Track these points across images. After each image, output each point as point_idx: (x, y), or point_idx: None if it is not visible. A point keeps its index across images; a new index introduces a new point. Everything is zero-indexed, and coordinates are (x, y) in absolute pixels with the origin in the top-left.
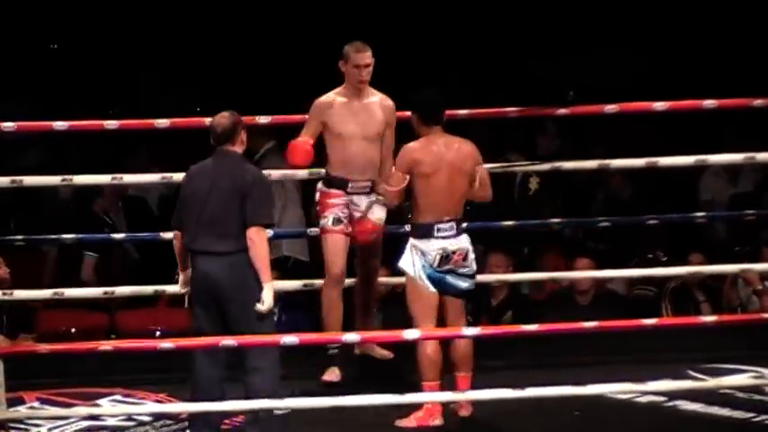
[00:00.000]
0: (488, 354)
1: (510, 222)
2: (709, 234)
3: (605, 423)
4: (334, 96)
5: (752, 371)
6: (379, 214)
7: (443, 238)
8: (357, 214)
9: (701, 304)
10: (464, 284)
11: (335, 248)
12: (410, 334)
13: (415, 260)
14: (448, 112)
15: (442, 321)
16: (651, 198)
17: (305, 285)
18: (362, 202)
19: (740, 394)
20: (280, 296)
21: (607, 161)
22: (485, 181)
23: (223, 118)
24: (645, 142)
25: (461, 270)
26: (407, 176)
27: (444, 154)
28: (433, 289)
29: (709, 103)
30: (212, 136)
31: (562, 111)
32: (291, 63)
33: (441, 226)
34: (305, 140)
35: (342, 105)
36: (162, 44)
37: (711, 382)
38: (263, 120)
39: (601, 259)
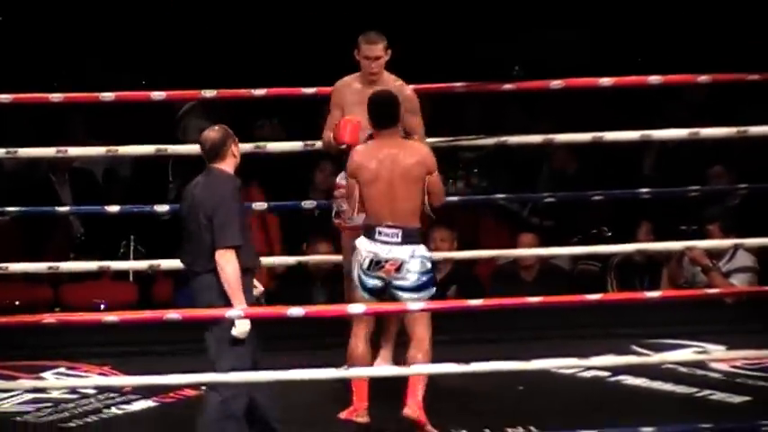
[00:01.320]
0: (432, 329)
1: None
2: (654, 210)
3: (549, 398)
4: (350, 81)
5: (695, 346)
6: None
7: (382, 242)
8: None
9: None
10: (404, 297)
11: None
12: (354, 308)
13: (355, 258)
14: None
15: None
16: (596, 174)
17: None
18: None
19: (683, 369)
20: None
21: (552, 135)
22: (434, 188)
23: (212, 132)
24: (591, 118)
25: (397, 282)
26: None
27: (388, 159)
28: (361, 293)
29: (654, 78)
30: (202, 151)
31: (508, 86)
32: (238, 36)
33: (382, 230)
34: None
35: (355, 93)
36: (107, 17)
37: (655, 357)
38: (209, 94)
39: (545, 233)
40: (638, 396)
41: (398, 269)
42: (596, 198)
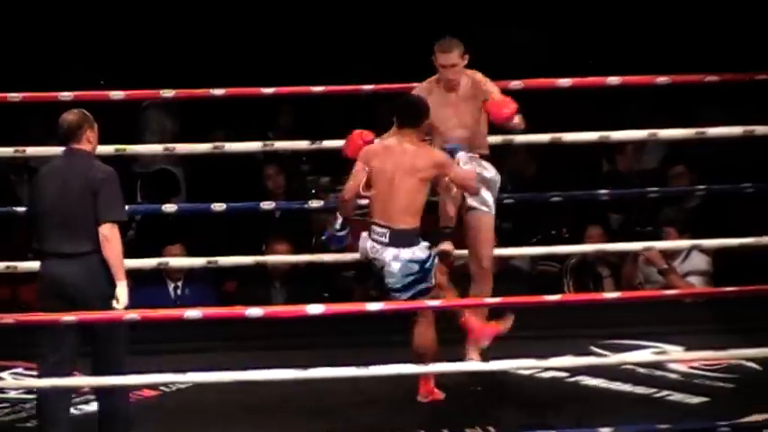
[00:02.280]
0: (391, 329)
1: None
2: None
3: (508, 398)
4: (429, 86)
5: (653, 347)
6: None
7: (374, 240)
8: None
9: (603, 279)
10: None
11: None
12: (314, 309)
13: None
14: (351, 87)
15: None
16: (556, 175)
17: (209, 262)
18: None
19: (641, 370)
20: (183, 272)
21: (511, 137)
22: (458, 182)
23: (70, 114)
24: (549, 119)
25: (385, 279)
26: (366, 168)
27: (396, 158)
28: None
29: (613, 79)
30: (59, 133)
31: None
32: (194, 36)
33: (375, 228)
34: (363, 133)
35: (438, 95)
36: (65, 16)
37: (613, 358)
38: (167, 94)
39: (504, 235)
40: (596, 397)
41: (382, 269)
42: (555, 199)
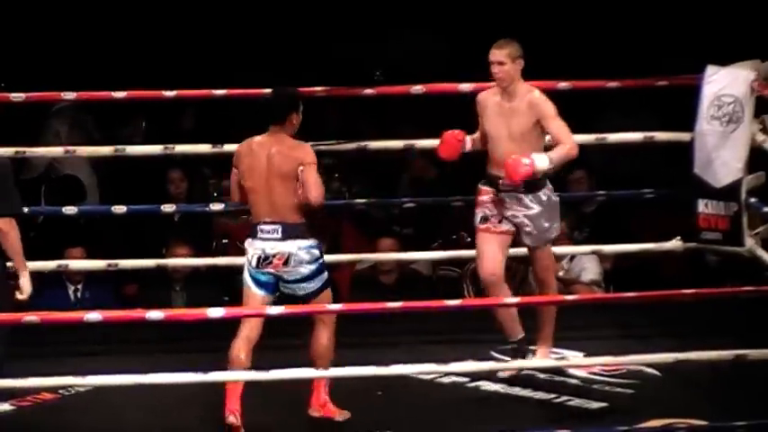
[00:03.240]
0: (291, 333)
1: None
2: None
3: (408, 403)
4: (490, 92)
5: (553, 352)
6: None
7: (265, 239)
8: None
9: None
10: (300, 292)
11: (481, 247)
12: (214, 312)
13: (245, 259)
14: (251, 90)
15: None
16: (455, 179)
17: (109, 265)
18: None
19: (542, 375)
20: (83, 274)
21: (412, 141)
22: (306, 183)
23: None
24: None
25: (287, 276)
26: (236, 170)
27: (263, 155)
28: (255, 290)
29: None
30: None
31: (368, 91)
32: (99, 38)
33: (263, 227)
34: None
35: (494, 104)
36: None
37: (513, 364)
38: (69, 96)
39: (405, 240)
40: (496, 401)
41: (286, 262)
42: (456, 204)
